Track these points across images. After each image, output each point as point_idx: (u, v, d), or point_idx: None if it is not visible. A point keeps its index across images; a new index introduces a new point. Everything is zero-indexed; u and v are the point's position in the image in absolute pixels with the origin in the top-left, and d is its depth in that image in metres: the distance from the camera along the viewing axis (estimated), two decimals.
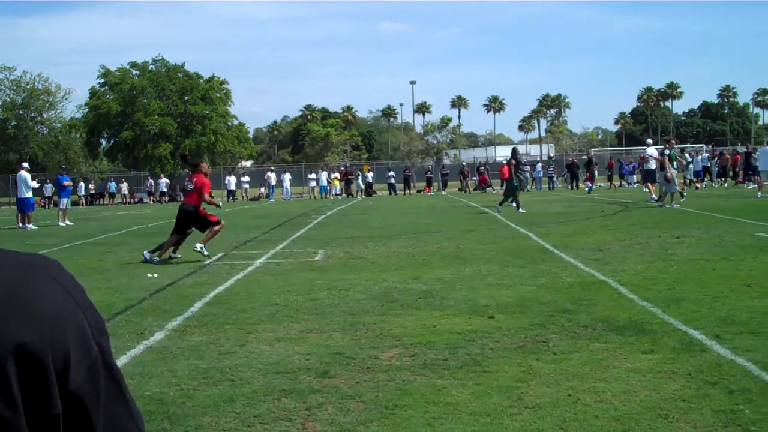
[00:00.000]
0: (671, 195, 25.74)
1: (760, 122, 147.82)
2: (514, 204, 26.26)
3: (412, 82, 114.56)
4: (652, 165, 29.10)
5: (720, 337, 7.07)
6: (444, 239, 17.34)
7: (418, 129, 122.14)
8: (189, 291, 11.15)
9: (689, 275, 10.81)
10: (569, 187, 48.73)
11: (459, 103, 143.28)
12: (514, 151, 27.49)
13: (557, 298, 9.39)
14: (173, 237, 14.94)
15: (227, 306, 9.76)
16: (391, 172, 56.57)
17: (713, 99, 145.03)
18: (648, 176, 29.63)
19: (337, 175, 56.99)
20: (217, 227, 15.01)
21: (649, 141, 32.06)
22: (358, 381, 6.19)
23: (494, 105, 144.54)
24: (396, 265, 13.09)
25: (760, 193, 29.47)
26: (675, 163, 26.38)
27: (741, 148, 57.39)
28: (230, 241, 18.59)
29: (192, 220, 15.04)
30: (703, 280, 10.36)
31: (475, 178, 54.26)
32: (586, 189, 42.67)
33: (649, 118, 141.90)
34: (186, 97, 66.98)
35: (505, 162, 61.13)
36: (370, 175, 54.03)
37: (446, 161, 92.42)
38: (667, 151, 26.71)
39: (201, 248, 14.74)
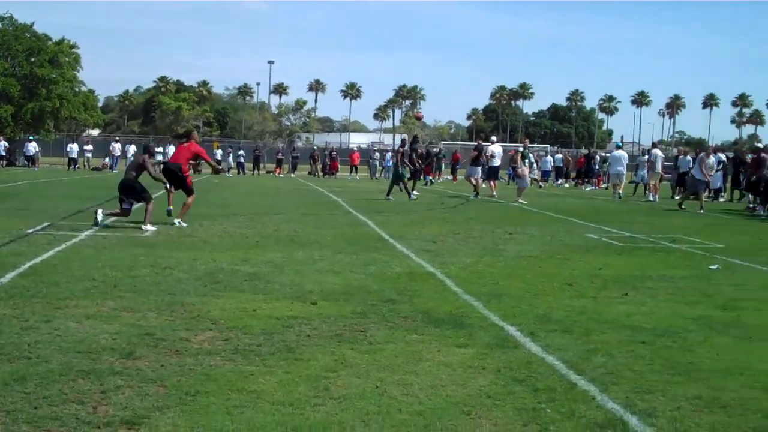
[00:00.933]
0: (519, 190, 26.72)
1: (604, 127, 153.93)
2: (406, 192, 26.74)
3: (270, 62, 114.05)
4: (497, 162, 29.79)
5: (534, 334, 7.17)
6: (283, 222, 17.11)
7: (275, 110, 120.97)
8: (2, 260, 10.51)
9: (515, 271, 10.99)
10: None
11: (316, 86, 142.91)
12: (403, 142, 28.12)
13: (383, 288, 9.35)
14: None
15: (41, 279, 9.24)
16: (241, 152, 55.77)
17: (562, 102, 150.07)
18: (492, 172, 30.19)
19: None
20: (190, 199, 16.26)
21: (493, 138, 32.63)
22: (163, 364, 5.92)
23: (351, 92, 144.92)
24: (227, 246, 12.78)
25: (618, 194, 30.31)
26: (527, 161, 27.57)
27: (583, 151, 59.37)
28: (60, 210, 17.75)
29: (173, 177, 16.22)
30: (527, 276, 10.55)
31: (326, 162, 54.18)
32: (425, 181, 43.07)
33: (500, 115, 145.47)
34: (33, 59, 63.81)
35: (355, 149, 61.46)
36: (218, 153, 53.00)
37: (299, 144, 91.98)
38: (521, 149, 27.88)
39: (179, 222, 15.54)
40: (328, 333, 7.08)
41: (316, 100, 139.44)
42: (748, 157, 27.40)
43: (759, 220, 21.82)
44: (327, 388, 5.48)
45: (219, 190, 30.51)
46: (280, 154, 55.15)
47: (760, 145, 27.68)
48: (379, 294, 8.96)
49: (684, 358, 6.48)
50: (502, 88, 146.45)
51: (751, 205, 25.40)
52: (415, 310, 8.11)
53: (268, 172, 53.67)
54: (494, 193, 28.73)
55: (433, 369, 6.01)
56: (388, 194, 26.37)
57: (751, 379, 5.91)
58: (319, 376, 5.73)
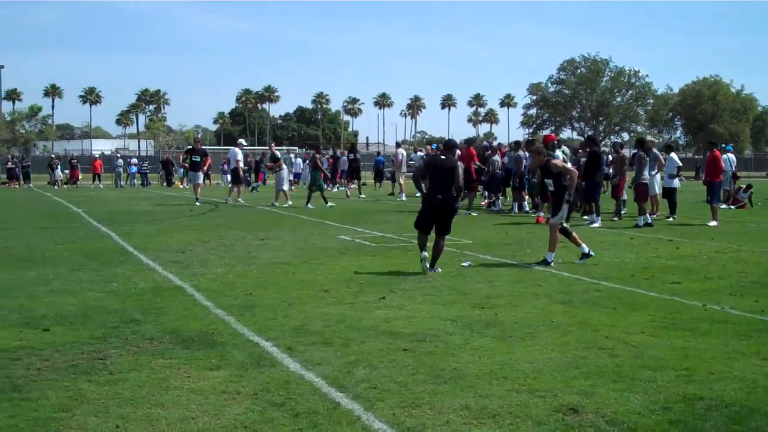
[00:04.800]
0: (277, 193, 26.43)
1: (350, 129, 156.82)
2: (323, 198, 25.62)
3: (0, 66, 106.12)
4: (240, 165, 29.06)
5: (292, 349, 6.72)
6: (14, 238, 15.68)
7: (8, 118, 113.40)
8: None
9: (269, 279, 10.51)
10: (163, 183, 47.53)
11: (53, 92, 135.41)
12: (317, 148, 26.95)
13: (126, 307, 8.57)
14: None
15: None
16: None
17: (308, 105, 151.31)
18: (235, 176, 29.21)
19: None
20: None
21: (242, 141, 31.89)
22: None
23: (91, 97, 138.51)
24: None
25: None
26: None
27: (329, 153, 59.83)
28: None
29: None
30: (281, 284, 10.10)
31: (66, 172, 51.22)
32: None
33: (247, 119, 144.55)
34: None
35: (97, 156, 58.61)
36: None
37: (36, 153, 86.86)
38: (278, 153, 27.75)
39: None
40: (62, 364, 6.27)
41: (53, 107, 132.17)
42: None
43: (501, 215, 22.56)
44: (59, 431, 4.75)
45: None
46: (10, 163, 51.41)
47: (489, 143, 28.96)
48: (121, 314, 8.18)
49: (447, 365, 6.24)
50: (247, 91, 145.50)
51: (485, 201, 26.33)
52: (162, 331, 7.43)
53: (2, 183, 50.03)
54: (240, 199, 27.96)
55: (183, 398, 5.40)
56: (307, 203, 25.12)
57: (516, 383, 5.74)
58: (49, 419, 4.98)
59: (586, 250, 12.20)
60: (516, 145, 24.95)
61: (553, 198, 12.30)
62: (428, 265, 11.03)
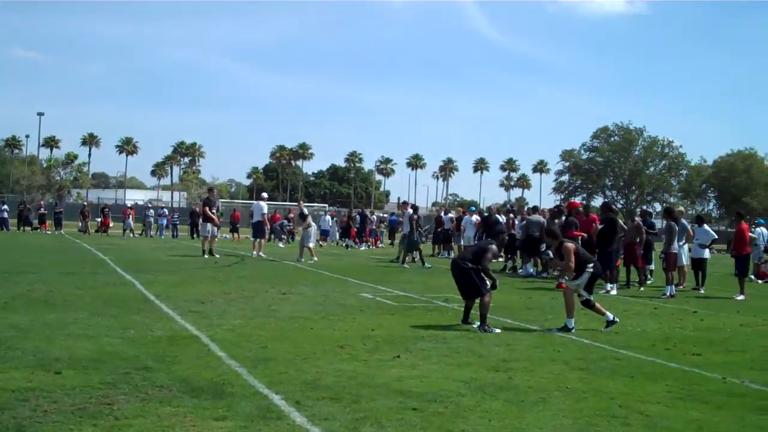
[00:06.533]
0: (301, 249, 26.68)
1: (382, 188, 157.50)
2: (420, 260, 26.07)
3: (40, 114, 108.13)
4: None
5: (300, 403, 6.66)
6: (38, 281, 15.79)
7: (45, 164, 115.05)
8: None
9: (286, 333, 10.47)
10: (191, 236, 47.78)
11: (90, 140, 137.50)
12: (415, 208, 27.27)
13: (140, 353, 8.56)
14: None
15: None
16: (5, 206, 52.26)
17: (341, 163, 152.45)
18: (258, 230, 29.09)
19: None
20: None
21: (264, 194, 31.80)
22: None
23: (127, 147, 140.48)
24: None
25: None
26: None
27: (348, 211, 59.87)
28: None
29: None
30: (298, 339, 10.05)
31: (97, 219, 51.79)
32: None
33: (280, 175, 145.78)
34: None
35: (129, 205, 59.18)
36: None
37: (70, 200, 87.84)
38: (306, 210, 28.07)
39: None
40: (69, 407, 6.25)
41: (90, 155, 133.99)
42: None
43: (526, 280, 22.43)
44: None
45: None
46: (42, 209, 52.05)
47: (511, 207, 29.19)
48: (134, 360, 8.17)
49: (456, 426, 6.15)
50: (282, 147, 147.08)
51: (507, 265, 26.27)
52: (173, 379, 7.40)
53: (35, 228, 50.57)
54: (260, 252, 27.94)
55: None
56: (402, 262, 25.44)
57: None
58: None
59: (611, 317, 12.07)
60: (533, 210, 25.53)
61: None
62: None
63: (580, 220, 21.40)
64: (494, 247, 12.29)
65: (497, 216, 26.97)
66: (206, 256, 25.98)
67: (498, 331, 11.34)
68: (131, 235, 46.60)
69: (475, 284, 11.74)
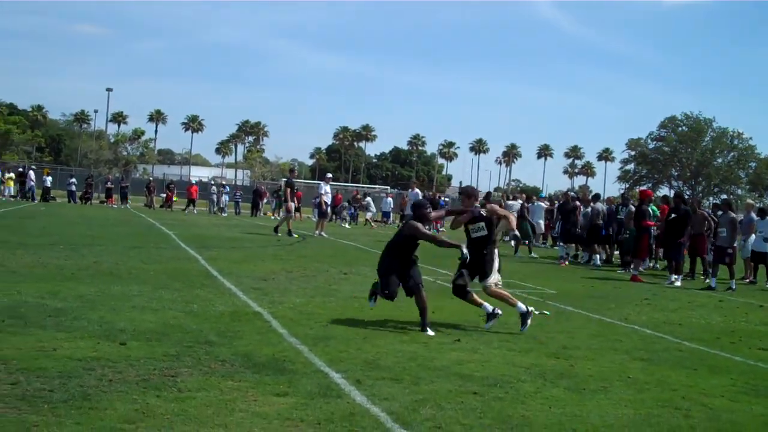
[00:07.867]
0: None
1: (444, 172, 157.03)
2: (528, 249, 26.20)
3: (109, 90, 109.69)
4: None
5: (360, 382, 6.68)
6: (104, 254, 16.06)
7: (112, 139, 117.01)
8: None
9: (347, 312, 10.51)
10: (252, 214, 48.22)
11: (157, 117, 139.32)
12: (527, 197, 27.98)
13: (203, 328, 8.66)
14: None
15: None
16: (73, 179, 53.23)
17: (404, 145, 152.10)
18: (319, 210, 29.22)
19: (12, 175, 52.82)
20: None
21: (329, 175, 31.88)
22: None
23: (193, 125, 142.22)
24: (38, 277, 11.77)
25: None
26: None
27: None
28: None
29: None
30: (358, 318, 10.08)
31: (162, 195, 52.50)
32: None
33: (342, 156, 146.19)
34: None
35: (194, 182, 59.90)
36: (48, 179, 50.45)
37: (136, 175, 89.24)
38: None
39: None
40: (134, 378, 6.36)
41: (156, 131, 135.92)
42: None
43: (588, 269, 22.18)
44: None
45: (42, 218, 28.81)
46: (109, 183, 52.95)
47: (576, 194, 28.43)
48: (197, 334, 8.27)
49: (516, 411, 6.11)
50: (345, 128, 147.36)
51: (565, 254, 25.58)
52: (235, 354, 7.47)
53: (101, 201, 51.51)
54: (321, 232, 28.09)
55: (247, 421, 5.41)
56: (516, 252, 25.37)
57: None
58: (113, 429, 5.04)
59: (490, 309, 10.32)
60: (595, 198, 25.12)
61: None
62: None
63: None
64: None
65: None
66: (294, 236, 26.39)
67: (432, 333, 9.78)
68: (217, 213, 47.13)
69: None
